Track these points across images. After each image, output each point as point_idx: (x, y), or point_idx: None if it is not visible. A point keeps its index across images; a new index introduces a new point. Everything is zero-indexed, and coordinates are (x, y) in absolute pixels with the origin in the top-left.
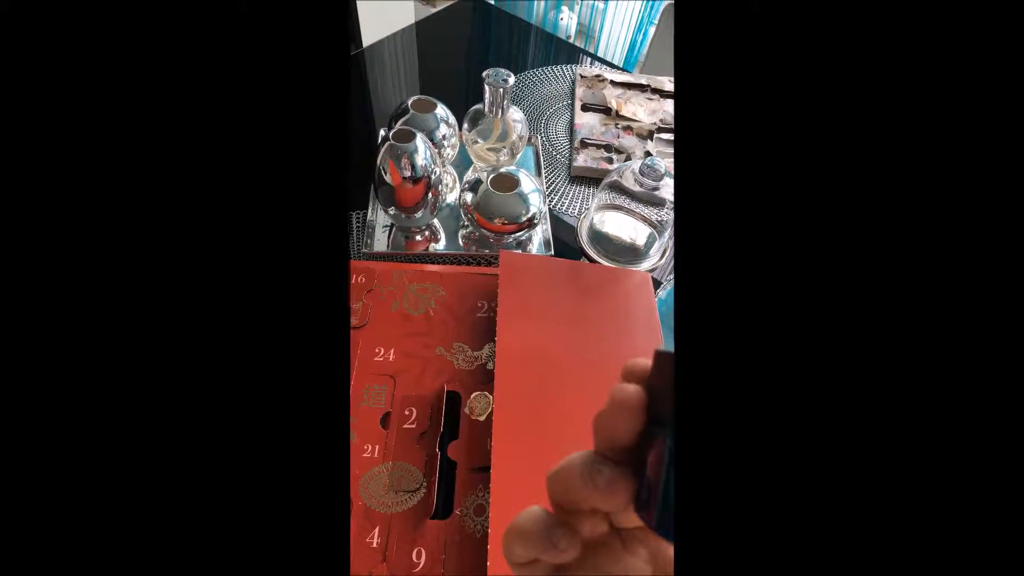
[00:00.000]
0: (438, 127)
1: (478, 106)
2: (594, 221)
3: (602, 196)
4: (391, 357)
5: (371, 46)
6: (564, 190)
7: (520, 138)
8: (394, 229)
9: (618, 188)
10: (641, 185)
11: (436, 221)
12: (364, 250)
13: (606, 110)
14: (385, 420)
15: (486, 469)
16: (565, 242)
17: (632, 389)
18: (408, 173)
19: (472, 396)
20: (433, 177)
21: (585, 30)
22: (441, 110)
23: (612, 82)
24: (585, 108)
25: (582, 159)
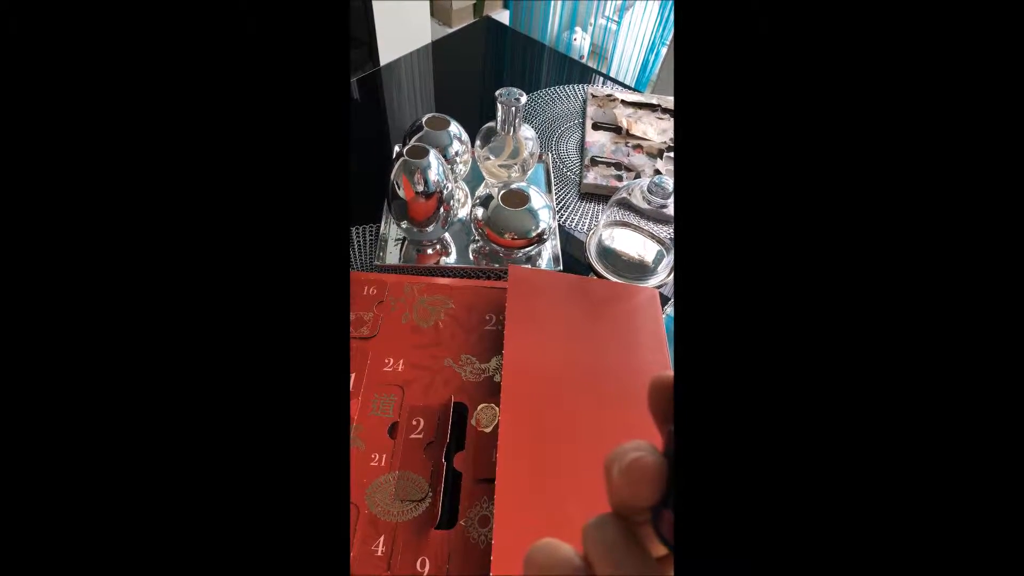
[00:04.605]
0: (451, 144)
1: (491, 124)
2: (603, 237)
3: (610, 213)
4: (400, 368)
5: (388, 64)
6: (574, 206)
7: (531, 155)
8: (406, 243)
9: (626, 205)
10: (649, 203)
11: (447, 235)
12: (376, 262)
13: (617, 129)
14: (393, 430)
15: (491, 480)
16: (574, 257)
17: (651, 461)
18: (421, 188)
19: (479, 408)
20: (445, 192)
21: (598, 51)
22: (454, 127)
23: (623, 101)
24: (596, 127)
25: (592, 176)
